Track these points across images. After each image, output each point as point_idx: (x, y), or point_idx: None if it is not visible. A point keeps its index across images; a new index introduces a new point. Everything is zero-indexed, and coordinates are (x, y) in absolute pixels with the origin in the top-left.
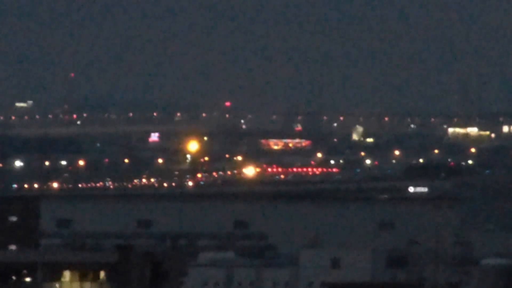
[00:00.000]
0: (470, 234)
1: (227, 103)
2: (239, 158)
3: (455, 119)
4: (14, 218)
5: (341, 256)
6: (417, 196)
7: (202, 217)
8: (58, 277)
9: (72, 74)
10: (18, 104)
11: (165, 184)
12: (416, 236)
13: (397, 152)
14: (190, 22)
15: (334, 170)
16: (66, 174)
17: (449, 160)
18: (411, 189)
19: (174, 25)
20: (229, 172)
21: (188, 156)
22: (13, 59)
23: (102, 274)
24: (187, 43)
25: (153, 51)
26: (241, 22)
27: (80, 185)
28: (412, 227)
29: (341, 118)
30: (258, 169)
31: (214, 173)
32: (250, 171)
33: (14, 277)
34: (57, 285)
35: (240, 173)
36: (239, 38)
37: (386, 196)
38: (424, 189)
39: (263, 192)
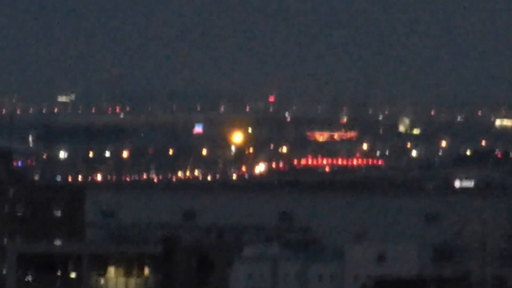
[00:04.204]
0: None
1: (271, 98)
2: (284, 148)
3: (503, 111)
4: (60, 209)
5: (387, 250)
6: (464, 187)
7: (247, 209)
8: (104, 267)
9: (116, 73)
10: (61, 97)
11: (209, 175)
12: (463, 229)
13: (444, 143)
14: (236, 15)
15: (380, 161)
16: (111, 164)
17: (497, 150)
18: (458, 180)
19: (220, 19)
20: (274, 163)
21: (233, 146)
22: (58, 52)
23: (147, 265)
24: (231, 35)
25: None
26: (287, 14)
27: (125, 175)
28: (459, 220)
29: (387, 110)
30: (303, 160)
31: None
32: (261, 167)
33: (60, 268)
34: (103, 275)
35: (286, 164)
36: (284, 30)
37: (433, 187)
38: (471, 180)
39: (308, 183)
